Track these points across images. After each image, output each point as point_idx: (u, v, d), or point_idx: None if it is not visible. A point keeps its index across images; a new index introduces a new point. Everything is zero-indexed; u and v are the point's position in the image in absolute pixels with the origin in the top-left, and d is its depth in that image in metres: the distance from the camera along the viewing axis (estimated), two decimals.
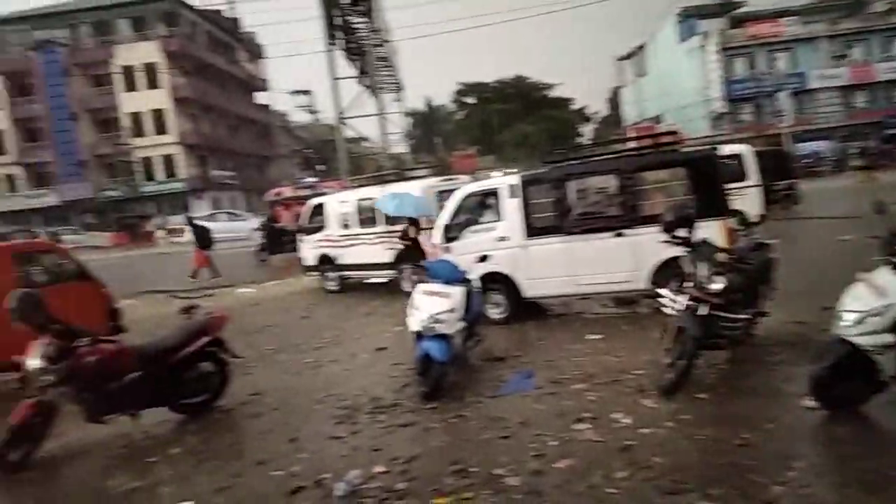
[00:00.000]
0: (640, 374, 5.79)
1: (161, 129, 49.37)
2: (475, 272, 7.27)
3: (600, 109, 66.53)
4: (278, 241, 20.17)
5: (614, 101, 62.83)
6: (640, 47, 53.12)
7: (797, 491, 3.60)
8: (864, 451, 4.05)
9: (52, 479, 5.25)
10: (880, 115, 39.89)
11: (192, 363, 6.25)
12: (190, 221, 19.28)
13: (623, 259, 7.99)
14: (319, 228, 13.50)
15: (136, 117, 49.09)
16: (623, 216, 8.12)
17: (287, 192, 24.17)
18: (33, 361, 5.44)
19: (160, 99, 49.07)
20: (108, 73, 49.10)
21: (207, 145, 52.59)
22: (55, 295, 6.38)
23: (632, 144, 9.44)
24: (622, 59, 57.80)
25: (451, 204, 9.29)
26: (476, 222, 9.11)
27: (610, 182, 8.51)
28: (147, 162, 49.25)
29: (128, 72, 48.79)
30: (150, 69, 48.73)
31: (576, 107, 63.94)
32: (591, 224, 8.31)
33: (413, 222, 11.05)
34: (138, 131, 48.92)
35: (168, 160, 49.68)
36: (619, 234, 8.02)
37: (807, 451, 4.18)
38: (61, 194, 48.88)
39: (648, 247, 7.54)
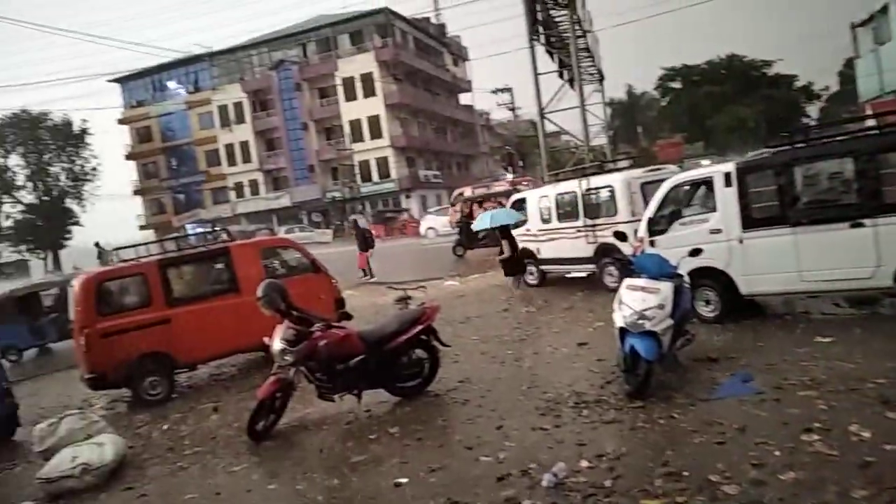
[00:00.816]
0: (882, 384, 5.10)
1: (376, 133, 53.48)
2: (684, 267, 6.90)
3: (829, 85, 58.80)
4: (474, 237, 21.13)
5: (847, 75, 55.19)
6: (883, 9, 46.04)
7: None
8: None
9: (290, 448, 5.99)
10: None
11: (408, 349, 6.75)
12: (355, 224, 20.92)
13: (862, 252, 7.04)
14: (522, 223, 13.70)
15: (355, 124, 53.71)
16: (862, 204, 7.16)
17: (467, 192, 25.29)
18: (277, 343, 6.25)
19: (375, 106, 53.16)
20: (332, 85, 54.31)
21: (416, 147, 55.97)
22: (293, 285, 7.24)
23: (871, 122, 8.26)
24: (858, 25, 50.52)
25: (658, 195, 8.90)
26: (685, 214, 8.64)
27: (845, 166, 7.54)
28: (364, 165, 53.64)
29: (348, 83, 53.53)
30: (367, 79, 52.96)
31: (799, 84, 57.35)
32: (823, 213, 7.43)
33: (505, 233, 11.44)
34: (357, 137, 53.45)
35: (382, 162, 53.68)
36: (858, 225, 7.09)
37: None
38: (293, 196, 55.25)
39: (894, 238, 6.59)
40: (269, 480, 5.24)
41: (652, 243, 8.47)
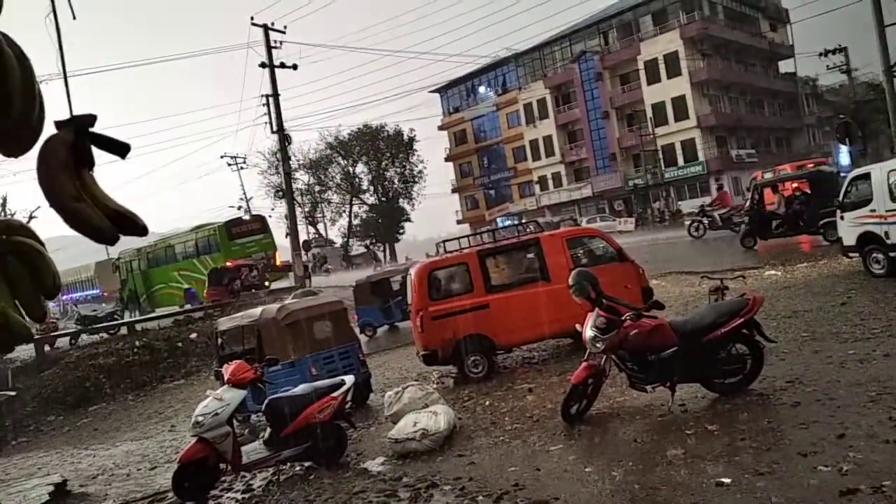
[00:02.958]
0: None
1: (681, 115, 50.67)
2: None
3: None
4: (766, 225, 18.62)
5: None
6: None
7: None
8: None
9: (603, 434, 6.10)
10: None
11: (727, 343, 6.34)
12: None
13: None
14: (863, 203, 11.76)
15: (657, 107, 51.61)
16: None
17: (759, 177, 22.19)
18: (588, 331, 6.40)
19: (680, 86, 50.37)
20: (634, 70, 53.02)
21: (726, 125, 51.62)
22: (600, 274, 7.32)
23: None
24: None
25: None
26: None
27: None
28: (668, 149, 51.30)
29: (650, 65, 51.67)
30: (671, 59, 50.42)
31: None
32: None
33: None
34: (660, 120, 51.30)
35: (687, 145, 50.73)
36: None
37: None
38: (594, 186, 55.42)
39: None
40: (586, 464, 5.40)
41: None
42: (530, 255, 10.34)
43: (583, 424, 6.37)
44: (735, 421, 5.67)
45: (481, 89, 66.10)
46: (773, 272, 14.23)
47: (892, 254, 11.30)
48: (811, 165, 20.60)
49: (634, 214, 48.58)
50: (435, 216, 79.68)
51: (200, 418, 6.54)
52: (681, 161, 51.13)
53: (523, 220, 12.68)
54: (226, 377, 6.94)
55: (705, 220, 24.07)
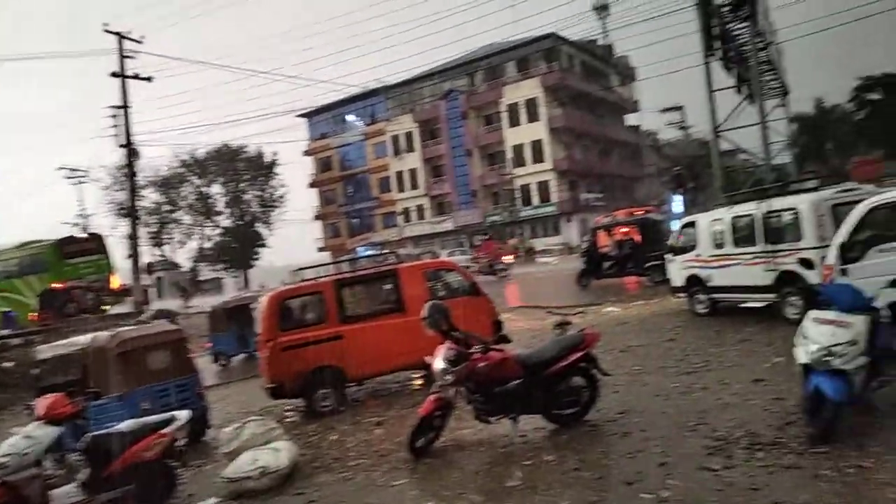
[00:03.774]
0: None
1: (538, 157, 53.76)
2: (883, 299, 6.13)
3: None
4: (600, 266, 20.38)
5: None
6: None
7: None
8: None
9: (447, 466, 6.12)
10: None
11: (566, 376, 6.64)
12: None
13: None
14: (689, 248, 12.98)
15: (517, 149, 54.43)
16: None
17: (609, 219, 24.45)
18: (438, 363, 6.44)
19: (538, 130, 53.55)
20: (497, 112, 55.60)
21: (578, 170, 55.38)
22: (454, 306, 7.44)
23: None
24: None
25: (852, 218, 8.02)
26: (885, 240, 7.69)
27: None
28: (525, 189, 54.04)
29: (512, 109, 54.52)
30: (531, 104, 53.58)
31: None
32: None
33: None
34: (519, 161, 54.05)
35: (543, 186, 53.78)
36: None
37: None
38: (455, 220, 57.01)
39: None
40: (428, 497, 5.39)
41: (843, 272, 7.63)
42: (388, 286, 10.30)
43: (428, 457, 6.36)
44: (571, 451, 5.92)
45: (350, 118, 66.07)
46: (612, 309, 15.25)
47: (713, 295, 12.53)
48: (641, 213, 22.52)
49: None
50: (295, 243, 77.42)
51: (4, 459, 5.78)
52: (536, 201, 54.05)
53: (383, 251, 12.76)
54: (38, 412, 6.21)
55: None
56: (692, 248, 12.88)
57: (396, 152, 61.37)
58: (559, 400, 6.66)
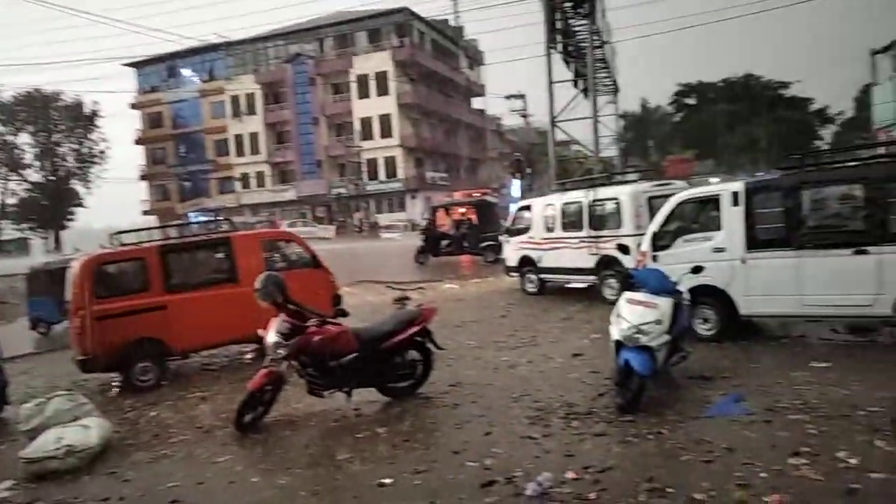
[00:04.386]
0: (874, 412, 5.05)
1: (386, 132, 53.62)
2: (685, 284, 6.86)
3: (844, 110, 58.63)
4: (438, 244, 21.19)
5: (863, 101, 55.04)
6: None
7: None
8: None
9: (276, 442, 5.96)
10: None
11: (402, 350, 6.72)
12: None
13: (864, 280, 6.99)
14: (523, 231, 13.68)
15: (365, 122, 53.87)
16: (868, 231, 7.12)
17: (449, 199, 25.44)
18: (271, 336, 6.22)
19: (388, 105, 53.31)
20: (346, 82, 54.50)
21: (425, 148, 56.09)
22: (291, 279, 7.20)
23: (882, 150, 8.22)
24: (877, 52, 50.38)
25: (664, 210, 8.86)
26: (690, 231, 8.60)
27: (854, 192, 7.50)
28: (372, 163, 53.77)
29: (362, 80, 53.74)
30: (381, 77, 53.13)
31: (815, 107, 57.23)
32: (828, 238, 7.38)
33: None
34: (367, 135, 53.58)
35: (390, 161, 53.82)
36: (861, 252, 7.04)
37: None
38: (299, 190, 55.41)
39: None
40: (253, 473, 5.20)
41: (655, 258, 8.42)
42: (220, 255, 9.77)
43: (256, 433, 6.14)
44: (402, 423, 6.02)
45: (185, 72, 61.35)
46: (450, 286, 15.70)
47: (543, 276, 13.33)
48: (478, 195, 23.55)
49: (335, 222, 49.75)
50: (117, 204, 70.93)
51: None
52: (382, 176, 54.02)
53: (217, 218, 11.95)
54: None
55: None
56: (526, 230, 13.59)
57: (236, 114, 58.15)
58: (394, 373, 6.74)
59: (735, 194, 7.99)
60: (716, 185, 9.24)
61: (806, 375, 6.29)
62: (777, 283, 7.57)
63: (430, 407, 6.50)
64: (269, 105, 57.60)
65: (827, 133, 59.11)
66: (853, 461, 4.26)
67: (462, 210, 22.48)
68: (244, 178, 58.50)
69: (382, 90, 53.39)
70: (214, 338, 9.26)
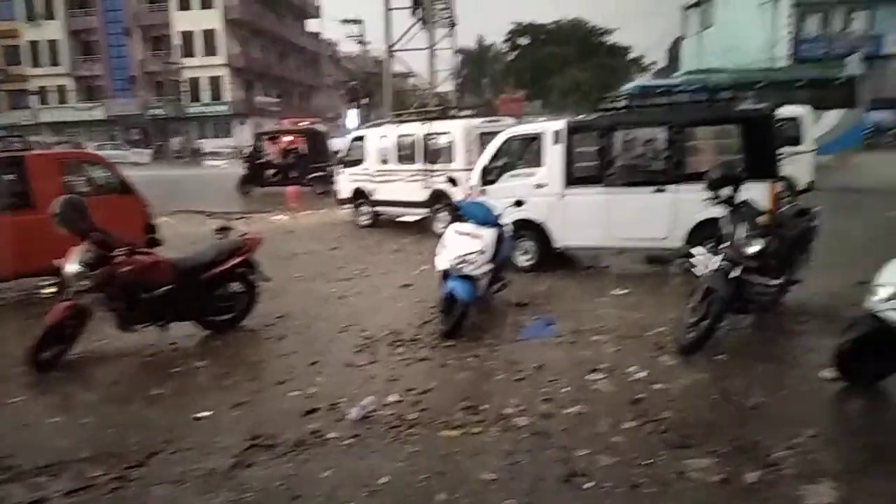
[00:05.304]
0: (661, 332, 5.74)
1: (211, 50, 49.51)
2: (509, 217, 7.20)
3: (658, 60, 63.87)
4: (262, 174, 20.36)
5: (674, 53, 60.32)
6: None
7: (801, 456, 3.56)
8: (875, 424, 4.01)
9: (81, 380, 5.51)
10: None
11: (223, 282, 6.42)
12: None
13: (662, 215, 7.80)
14: (359, 162, 13.48)
15: (187, 36, 49.22)
16: (667, 171, 7.90)
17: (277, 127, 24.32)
18: (72, 266, 5.63)
19: (212, 19, 49.01)
20: None
21: (255, 70, 52.68)
22: (98, 205, 6.52)
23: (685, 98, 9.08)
24: (689, 7, 55.09)
25: (492, 146, 9.15)
26: (516, 166, 8.98)
27: (658, 135, 8.25)
28: (194, 83, 49.62)
29: None
30: None
31: (633, 56, 61.65)
32: (633, 177, 8.09)
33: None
34: (188, 51, 49.10)
35: (215, 82, 50.00)
36: (661, 190, 7.82)
37: (818, 419, 4.12)
38: (109, 109, 49.84)
39: (689, 205, 7.32)
40: (52, 414, 4.77)
41: (483, 192, 8.71)
42: (10, 177, 8.56)
43: (57, 371, 5.60)
44: (223, 356, 5.83)
45: None
46: (280, 217, 15.20)
47: (376, 208, 13.32)
48: (307, 123, 22.59)
49: (152, 146, 45.68)
50: None
51: None
52: (206, 98, 50.17)
53: (9, 136, 10.34)
54: None
55: None
56: (360, 162, 13.41)
57: (31, 17, 50.38)
58: (215, 306, 6.44)
59: (556, 133, 8.44)
60: (539, 124, 9.68)
61: (608, 301, 6.98)
62: (588, 218, 8.21)
63: (255, 340, 6.35)
64: (73, 10, 50.49)
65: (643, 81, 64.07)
66: (641, 375, 4.84)
67: (290, 139, 21.47)
68: (42, 93, 51.34)
69: (207, 2, 48.89)
70: (5, 270, 8.22)
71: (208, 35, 49.38)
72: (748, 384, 4.59)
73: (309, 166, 19.90)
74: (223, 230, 8.97)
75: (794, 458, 3.54)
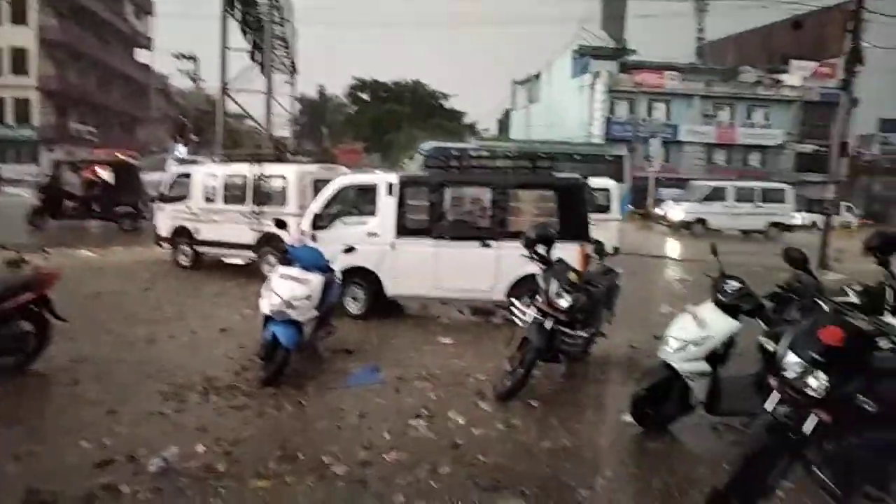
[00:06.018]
0: (482, 379, 5.95)
1: (20, 69, 44.75)
2: (339, 263, 7.16)
3: (490, 128, 68.26)
4: (59, 205, 18.49)
5: (504, 123, 64.88)
6: (537, 75, 55.36)
7: (602, 496, 3.83)
8: (669, 464, 4.41)
9: None
10: (734, 174, 43.59)
11: (9, 320, 5.65)
12: None
13: (486, 269, 8.20)
14: (182, 199, 12.73)
15: None
16: (491, 228, 8.37)
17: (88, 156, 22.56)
18: None
19: (25, 37, 44.48)
20: None
21: (70, 95, 48.26)
22: None
23: (509, 163, 9.72)
24: (518, 83, 59.97)
25: (326, 192, 9.12)
26: (348, 214, 9.01)
27: (484, 194, 8.74)
28: None
29: None
30: (19, 4, 44.04)
31: (467, 121, 65.28)
32: (461, 232, 8.47)
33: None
34: None
35: (22, 104, 45.11)
36: (486, 245, 8.24)
37: (618, 461, 4.47)
38: None
39: (510, 260, 7.74)
40: None
41: (314, 237, 8.60)
42: None
43: None
44: (4, 403, 5.08)
45: None
46: (87, 253, 13.82)
47: (199, 248, 12.58)
48: (120, 155, 20.89)
49: None
50: None
51: None
52: (10, 120, 45.00)
53: None
54: None
55: None
56: (183, 198, 12.68)
57: None
58: None
59: (390, 185, 8.65)
60: (374, 175, 9.85)
61: (433, 349, 7.13)
62: (418, 268, 8.41)
63: (44, 384, 5.64)
64: None
65: (475, 145, 67.87)
66: (461, 421, 4.96)
67: (96, 169, 19.53)
68: None
69: (19, 18, 44.32)
70: None
71: (18, 53, 44.65)
72: (557, 429, 4.88)
73: (116, 200, 18.40)
74: (15, 263, 7.98)
75: (596, 499, 3.79)
